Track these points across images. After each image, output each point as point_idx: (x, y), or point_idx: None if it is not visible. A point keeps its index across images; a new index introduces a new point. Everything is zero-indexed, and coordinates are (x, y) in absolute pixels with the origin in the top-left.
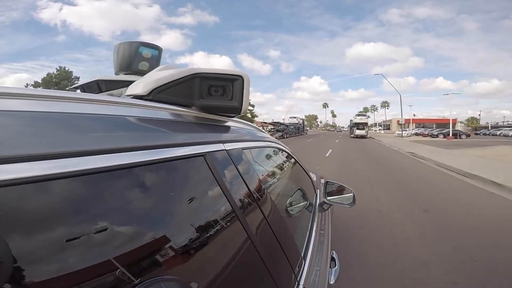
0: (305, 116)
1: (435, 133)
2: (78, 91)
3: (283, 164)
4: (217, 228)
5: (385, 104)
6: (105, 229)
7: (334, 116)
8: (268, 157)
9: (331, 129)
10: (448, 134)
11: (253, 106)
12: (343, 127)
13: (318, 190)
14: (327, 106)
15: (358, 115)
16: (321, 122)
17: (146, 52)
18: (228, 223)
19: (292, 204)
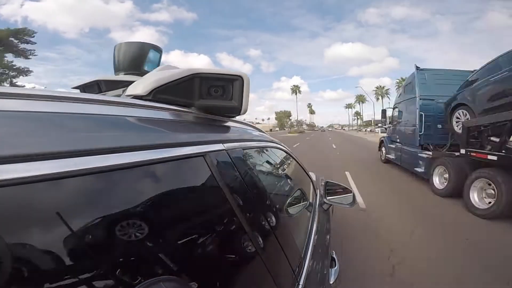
0: (275, 113)
1: None
2: (78, 91)
3: (283, 164)
4: (217, 228)
5: (382, 91)
6: (105, 229)
7: (312, 112)
8: (268, 157)
9: (315, 129)
10: None
11: None
12: (322, 127)
13: (318, 190)
14: (299, 91)
15: None
16: (296, 120)
17: (154, 54)
18: (228, 223)
19: (292, 204)
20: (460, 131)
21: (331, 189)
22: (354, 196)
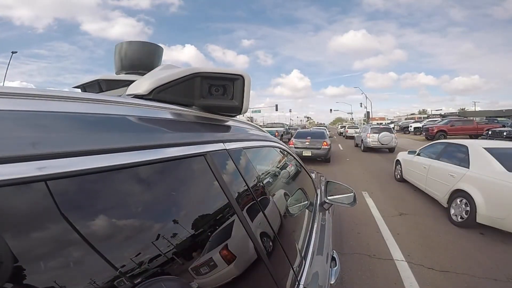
0: None
1: None
2: (79, 90)
3: (284, 164)
4: (217, 227)
5: None
6: (106, 229)
7: None
8: (269, 156)
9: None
10: None
11: None
12: (322, 125)
13: (319, 189)
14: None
15: None
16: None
17: (155, 53)
18: (229, 223)
19: (293, 204)
20: None
21: (332, 188)
22: (355, 195)
